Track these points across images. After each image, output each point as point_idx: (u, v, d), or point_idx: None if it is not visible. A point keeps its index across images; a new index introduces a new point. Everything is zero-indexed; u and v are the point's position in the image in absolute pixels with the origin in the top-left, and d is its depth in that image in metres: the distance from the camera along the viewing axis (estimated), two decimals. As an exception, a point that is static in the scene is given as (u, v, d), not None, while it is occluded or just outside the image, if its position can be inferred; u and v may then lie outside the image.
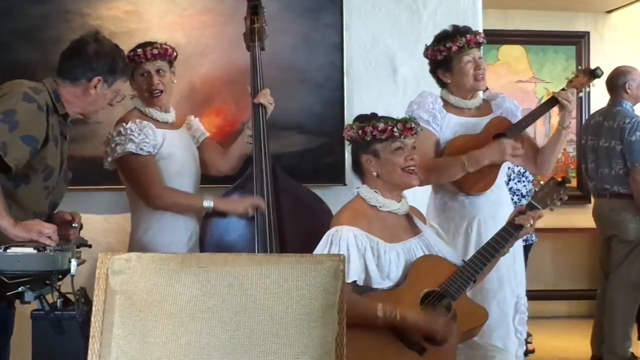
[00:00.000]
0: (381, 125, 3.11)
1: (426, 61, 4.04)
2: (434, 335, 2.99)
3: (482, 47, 3.80)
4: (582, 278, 7.14)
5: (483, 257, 3.15)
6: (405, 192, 3.26)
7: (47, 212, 3.25)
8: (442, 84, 3.82)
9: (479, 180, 3.67)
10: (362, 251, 3.02)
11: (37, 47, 4.21)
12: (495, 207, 3.70)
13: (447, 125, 3.72)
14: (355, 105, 4.41)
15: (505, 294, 3.66)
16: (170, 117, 3.80)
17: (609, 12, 7.52)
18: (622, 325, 5.27)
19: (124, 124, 3.64)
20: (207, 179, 3.94)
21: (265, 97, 3.82)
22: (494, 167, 3.68)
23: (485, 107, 3.83)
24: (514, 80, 7.35)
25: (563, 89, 3.72)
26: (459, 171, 3.60)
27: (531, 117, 3.77)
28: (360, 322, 2.76)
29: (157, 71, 3.71)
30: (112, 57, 3.23)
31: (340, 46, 4.40)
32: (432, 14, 4.53)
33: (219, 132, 4.25)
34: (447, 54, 3.72)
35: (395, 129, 3.11)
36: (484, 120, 3.76)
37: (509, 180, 5.17)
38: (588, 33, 7.50)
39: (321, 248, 3.04)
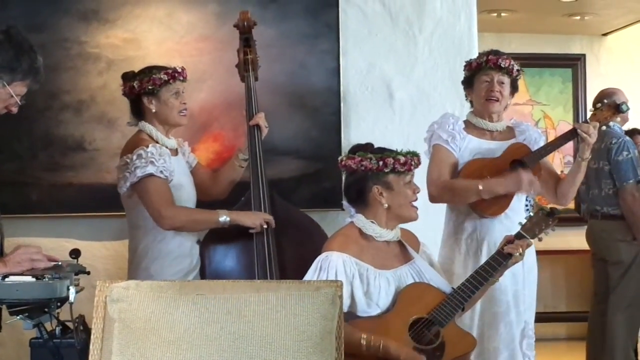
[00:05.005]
0: (402, 158, 3.13)
1: (422, 86, 4.02)
2: None
3: (511, 74, 3.85)
4: (581, 300, 7.11)
5: (472, 285, 3.16)
6: (419, 209, 3.25)
7: None
8: (471, 104, 3.90)
9: (492, 205, 3.68)
10: (349, 278, 3.03)
11: (34, 74, 4.20)
12: (508, 231, 3.58)
13: (466, 147, 3.75)
14: (352, 130, 4.43)
15: (512, 318, 3.67)
16: (174, 143, 3.74)
17: (605, 34, 7.57)
18: (622, 349, 5.25)
19: (145, 148, 3.52)
20: (200, 205, 3.82)
21: (262, 120, 3.84)
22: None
23: (508, 133, 3.85)
24: (510, 103, 7.35)
25: (585, 121, 3.74)
26: (472, 196, 3.63)
27: (550, 146, 3.83)
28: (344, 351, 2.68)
29: (182, 92, 3.69)
30: (16, 53, 2.86)
31: (337, 72, 4.41)
32: (428, 39, 4.54)
33: (217, 158, 4.25)
34: (470, 70, 3.82)
35: (413, 163, 3.16)
36: (505, 145, 3.78)
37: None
38: (584, 56, 7.54)
39: (311, 274, 3.05)
